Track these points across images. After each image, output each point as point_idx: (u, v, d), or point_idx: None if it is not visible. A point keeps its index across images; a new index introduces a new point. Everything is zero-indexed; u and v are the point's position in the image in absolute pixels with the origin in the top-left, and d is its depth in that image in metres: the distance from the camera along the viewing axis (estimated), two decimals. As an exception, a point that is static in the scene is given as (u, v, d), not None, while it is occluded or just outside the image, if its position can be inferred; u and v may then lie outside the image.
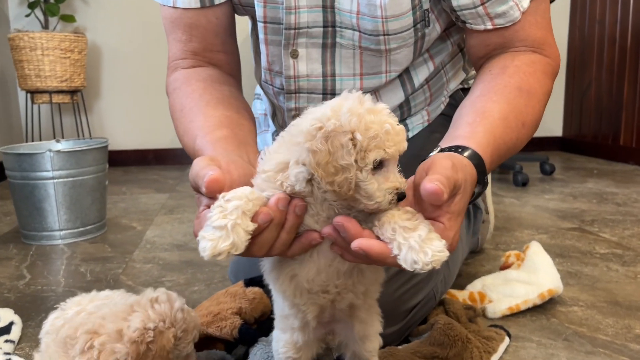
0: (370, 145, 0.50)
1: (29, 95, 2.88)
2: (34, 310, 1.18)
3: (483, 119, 0.68)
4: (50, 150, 1.63)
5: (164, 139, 3.39)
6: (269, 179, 0.55)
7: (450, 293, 1.13)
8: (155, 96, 3.32)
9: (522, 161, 2.65)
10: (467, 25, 0.81)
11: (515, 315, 1.10)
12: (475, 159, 0.62)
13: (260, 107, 1.10)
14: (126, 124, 3.36)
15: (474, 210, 1.32)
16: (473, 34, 0.82)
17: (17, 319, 1.08)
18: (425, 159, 0.60)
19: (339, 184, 0.50)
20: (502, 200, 2.19)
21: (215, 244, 0.50)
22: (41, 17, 2.92)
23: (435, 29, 0.86)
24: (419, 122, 0.99)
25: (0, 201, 2.37)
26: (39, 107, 3.04)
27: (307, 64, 0.85)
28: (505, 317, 1.09)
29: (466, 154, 0.62)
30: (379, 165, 0.52)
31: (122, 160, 3.36)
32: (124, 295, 0.87)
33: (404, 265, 0.51)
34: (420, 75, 0.94)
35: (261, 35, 0.86)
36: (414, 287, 0.90)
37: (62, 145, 1.85)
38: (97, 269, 1.45)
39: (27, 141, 3.05)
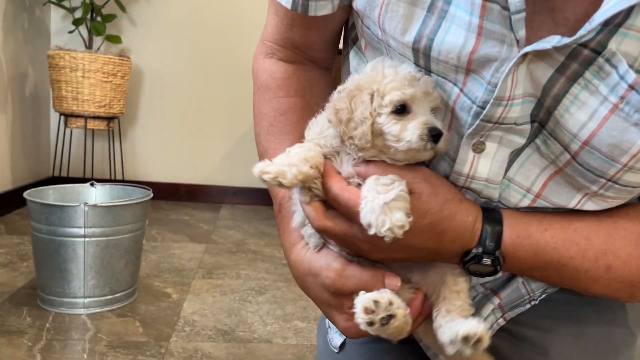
0: (386, 89, 0.53)
1: (62, 117, 2.66)
2: None
3: (556, 222, 0.59)
4: (85, 204, 1.36)
5: (199, 175, 3.14)
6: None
7: None
8: (195, 128, 3.09)
9: None
10: None
11: None
12: (495, 217, 0.57)
13: None
14: (160, 155, 3.12)
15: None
16: None
17: None
18: None
19: (358, 137, 0.53)
20: None
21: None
22: (85, 34, 2.72)
23: None
24: None
25: (17, 237, 2.12)
26: (71, 130, 2.80)
27: (492, 164, 0.58)
28: None
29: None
30: (404, 110, 0.53)
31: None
32: None
33: (362, 222, 0.51)
34: None
35: None
36: None
37: (98, 192, 1.59)
38: (127, 364, 1.17)
39: (54, 163, 2.82)
